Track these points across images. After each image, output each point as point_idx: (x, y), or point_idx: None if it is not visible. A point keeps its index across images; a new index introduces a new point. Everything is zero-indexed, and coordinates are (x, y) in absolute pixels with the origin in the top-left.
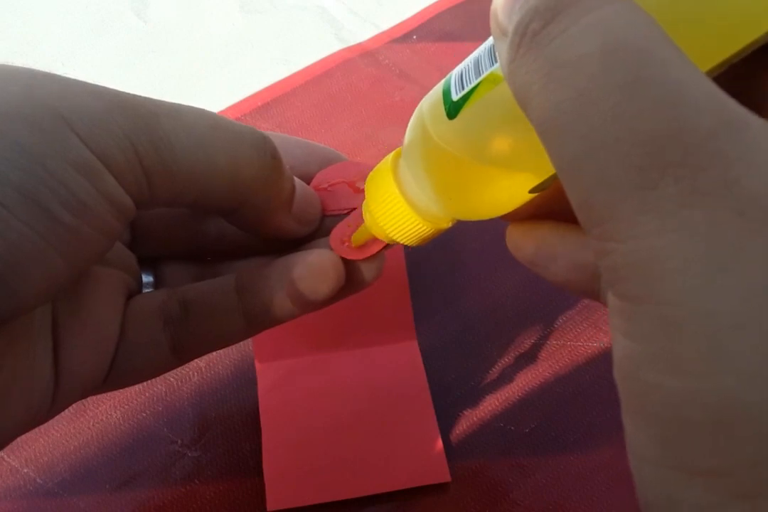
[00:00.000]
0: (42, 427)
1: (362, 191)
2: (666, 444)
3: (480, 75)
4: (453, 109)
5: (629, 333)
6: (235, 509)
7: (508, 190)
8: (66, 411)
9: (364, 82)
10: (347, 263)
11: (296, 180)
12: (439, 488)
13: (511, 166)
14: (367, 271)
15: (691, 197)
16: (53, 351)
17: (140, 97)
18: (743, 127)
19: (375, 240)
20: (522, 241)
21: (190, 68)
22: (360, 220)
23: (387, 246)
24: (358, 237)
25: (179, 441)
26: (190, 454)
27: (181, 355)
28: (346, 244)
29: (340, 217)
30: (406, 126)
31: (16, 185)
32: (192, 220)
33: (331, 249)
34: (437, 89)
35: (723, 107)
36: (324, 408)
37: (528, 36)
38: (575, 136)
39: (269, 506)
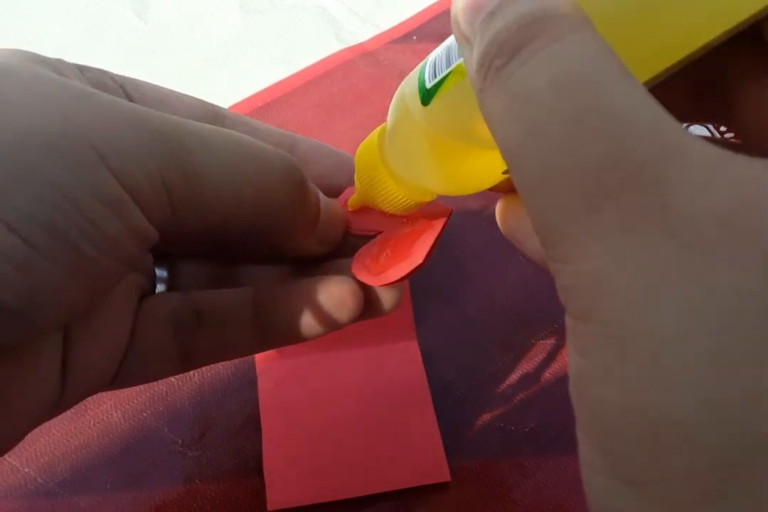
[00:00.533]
0: (43, 427)
1: (390, 215)
2: (609, 455)
3: (450, 65)
4: (426, 96)
5: (579, 349)
6: (235, 509)
7: (483, 168)
8: (67, 411)
9: (364, 82)
10: (367, 290)
11: (322, 196)
12: (439, 488)
13: (483, 148)
14: (387, 300)
15: (630, 221)
16: (63, 350)
17: (170, 120)
18: (681, 153)
19: (396, 267)
20: (504, 214)
21: (190, 68)
22: (385, 245)
23: (409, 274)
24: (352, 202)
25: (180, 441)
26: (190, 454)
27: (187, 362)
28: (369, 269)
29: (365, 237)
30: None
31: (46, 224)
32: None
33: (353, 274)
34: (415, 71)
35: (663, 134)
36: (324, 408)
37: (492, 70)
38: (530, 166)
39: (269, 506)
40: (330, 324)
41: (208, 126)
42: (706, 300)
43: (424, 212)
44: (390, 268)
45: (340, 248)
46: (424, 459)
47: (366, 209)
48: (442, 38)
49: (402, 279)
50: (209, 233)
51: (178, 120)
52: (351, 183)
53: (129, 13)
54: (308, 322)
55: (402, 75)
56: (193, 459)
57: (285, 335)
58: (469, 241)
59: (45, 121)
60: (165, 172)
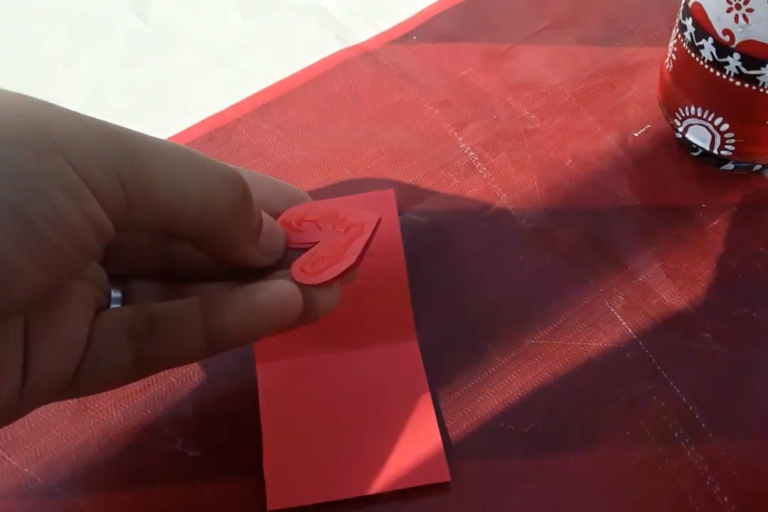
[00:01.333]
0: (42, 427)
1: (325, 229)
2: None
3: None
4: None
5: None
6: (235, 508)
7: None
8: (66, 410)
9: (364, 82)
10: (306, 294)
11: (264, 214)
12: (439, 488)
13: None
14: (323, 302)
15: None
16: (23, 354)
17: (126, 128)
18: None
19: (330, 267)
20: None
21: (190, 68)
22: (321, 252)
23: (343, 274)
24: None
25: (179, 441)
26: (190, 454)
27: (141, 369)
28: (306, 272)
29: (302, 250)
30: (406, 126)
31: (8, 203)
32: (162, 242)
33: (292, 277)
34: None
35: None
36: (324, 407)
37: None
38: None
39: (269, 505)
40: (274, 324)
41: (159, 138)
42: None
43: (354, 221)
44: (326, 269)
45: (281, 261)
46: (423, 459)
47: (304, 225)
48: (442, 38)
49: (336, 278)
50: (158, 240)
51: (130, 129)
52: (287, 207)
53: (129, 13)
54: (254, 323)
55: (402, 75)
56: (193, 459)
57: (234, 337)
58: (468, 241)
59: (8, 117)
60: (119, 168)
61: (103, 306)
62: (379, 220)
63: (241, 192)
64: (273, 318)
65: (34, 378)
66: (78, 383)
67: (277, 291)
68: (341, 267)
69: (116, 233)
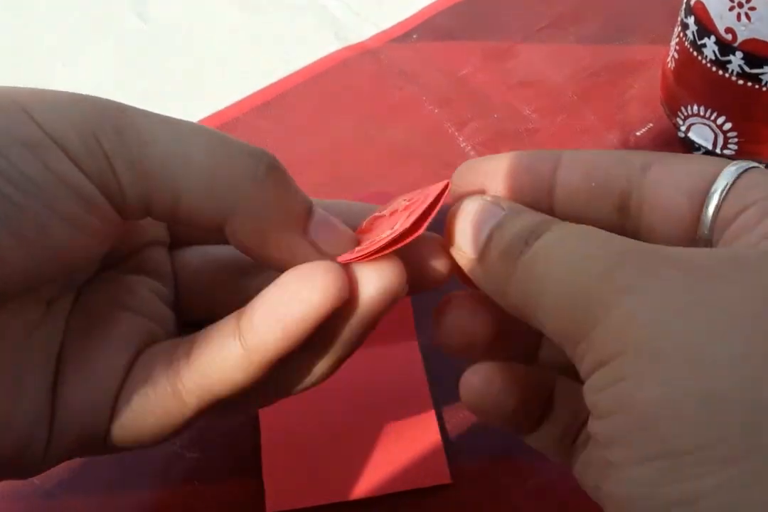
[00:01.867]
0: None
1: (395, 216)
2: None
3: None
4: None
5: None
6: (235, 510)
7: None
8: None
9: (364, 81)
10: (351, 274)
11: (319, 209)
12: (439, 489)
13: None
14: (371, 282)
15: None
16: (53, 384)
17: (115, 101)
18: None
19: (381, 241)
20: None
21: (190, 68)
22: (379, 232)
23: (390, 245)
24: None
25: (178, 442)
26: (189, 455)
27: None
28: (353, 252)
29: None
30: (406, 125)
31: None
32: (235, 282)
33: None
34: None
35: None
36: (324, 408)
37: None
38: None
39: (269, 507)
40: (312, 313)
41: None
42: None
43: (418, 196)
44: (375, 245)
45: None
46: (424, 460)
47: (374, 223)
48: (442, 37)
49: (382, 249)
50: (232, 276)
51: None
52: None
53: (129, 13)
54: (283, 311)
55: (402, 74)
56: (192, 460)
57: (265, 333)
58: None
59: None
60: (97, 129)
61: (159, 337)
62: (446, 184)
63: (266, 166)
64: (306, 305)
65: (63, 414)
66: (117, 428)
67: (307, 268)
68: (389, 237)
69: (120, 212)
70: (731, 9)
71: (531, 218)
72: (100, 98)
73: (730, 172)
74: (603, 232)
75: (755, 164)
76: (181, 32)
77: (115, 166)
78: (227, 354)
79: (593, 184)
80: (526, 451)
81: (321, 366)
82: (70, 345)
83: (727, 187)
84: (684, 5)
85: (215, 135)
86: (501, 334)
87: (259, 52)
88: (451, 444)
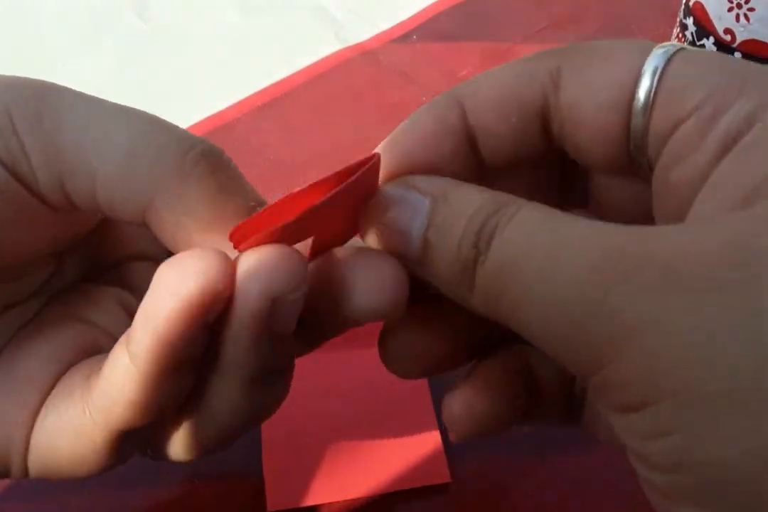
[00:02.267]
0: None
1: None
2: None
3: None
4: None
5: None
6: (235, 509)
7: None
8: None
9: (364, 82)
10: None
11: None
12: (439, 488)
13: None
14: (244, 271)
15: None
16: None
17: (50, 82)
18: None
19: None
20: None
21: (190, 68)
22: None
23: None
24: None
25: None
26: None
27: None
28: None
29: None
30: None
31: None
32: None
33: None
34: None
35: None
36: (324, 408)
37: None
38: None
39: (269, 506)
40: (186, 297)
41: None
42: None
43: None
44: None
45: None
46: (424, 459)
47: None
48: (442, 37)
49: (258, 235)
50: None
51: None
52: None
53: (129, 13)
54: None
55: (402, 74)
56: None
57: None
58: None
59: None
60: (11, 102)
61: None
62: (372, 156)
63: (197, 154)
64: (175, 299)
65: None
66: (34, 444)
67: (180, 256)
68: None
69: (39, 199)
70: (730, 10)
71: (466, 205)
72: (27, 78)
73: (653, 66)
74: (566, 217)
75: (682, 45)
76: (181, 32)
77: (25, 144)
78: (117, 365)
79: (513, 120)
80: (526, 451)
81: (227, 388)
82: (3, 356)
83: (653, 89)
84: (683, 6)
85: (143, 117)
86: (460, 341)
87: (259, 53)
88: (451, 444)
